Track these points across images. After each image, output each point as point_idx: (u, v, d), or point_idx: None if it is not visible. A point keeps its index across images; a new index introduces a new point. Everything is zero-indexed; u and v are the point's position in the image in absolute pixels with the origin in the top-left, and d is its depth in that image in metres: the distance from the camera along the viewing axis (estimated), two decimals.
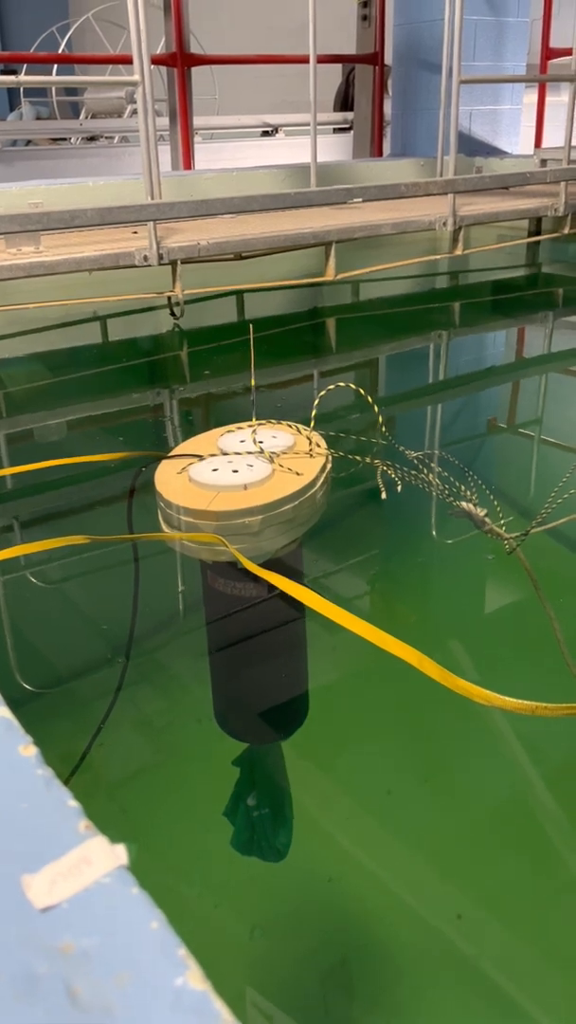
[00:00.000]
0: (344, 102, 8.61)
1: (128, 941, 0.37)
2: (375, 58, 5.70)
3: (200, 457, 1.68)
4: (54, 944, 0.37)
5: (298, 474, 1.59)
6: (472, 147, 5.48)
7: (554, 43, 5.51)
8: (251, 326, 1.97)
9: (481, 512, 1.45)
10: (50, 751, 0.49)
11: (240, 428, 1.84)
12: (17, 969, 0.36)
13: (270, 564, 1.42)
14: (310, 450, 1.72)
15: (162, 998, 0.34)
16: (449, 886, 1.03)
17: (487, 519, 1.44)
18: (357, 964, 0.94)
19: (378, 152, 5.96)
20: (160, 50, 5.24)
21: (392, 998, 0.91)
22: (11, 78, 3.32)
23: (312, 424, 1.85)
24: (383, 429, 1.98)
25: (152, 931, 0.37)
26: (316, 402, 1.87)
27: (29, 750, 0.48)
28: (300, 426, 1.84)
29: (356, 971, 0.93)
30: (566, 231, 4.27)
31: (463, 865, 1.07)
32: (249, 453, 1.68)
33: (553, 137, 5.39)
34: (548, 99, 5.76)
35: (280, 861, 1.07)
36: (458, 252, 3.89)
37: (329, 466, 1.71)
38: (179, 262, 3.17)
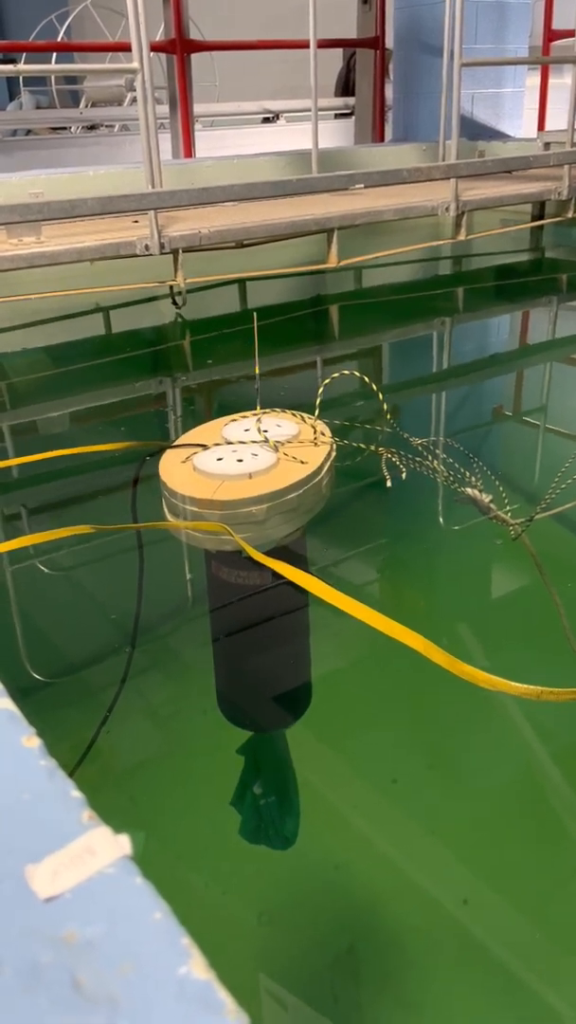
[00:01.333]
0: (345, 87, 8.55)
1: (131, 930, 0.37)
2: (376, 42, 5.66)
3: (204, 446, 1.68)
4: (57, 934, 0.37)
5: (303, 462, 1.59)
6: (474, 131, 5.44)
7: (557, 24, 5.46)
8: (255, 315, 1.96)
9: (486, 498, 1.45)
10: (58, 741, 0.49)
11: (244, 417, 1.83)
12: (21, 959, 0.36)
13: (275, 552, 1.42)
14: (315, 438, 1.71)
15: (166, 988, 0.34)
16: (456, 871, 1.03)
17: (492, 505, 1.44)
18: (365, 950, 0.95)
19: (380, 137, 5.92)
20: (159, 37, 5.20)
21: (400, 983, 0.91)
22: (10, 67, 3.30)
23: (316, 412, 1.85)
24: (388, 416, 1.98)
25: (155, 921, 0.37)
26: (320, 390, 1.87)
27: (32, 741, 0.48)
28: (304, 415, 1.84)
29: (364, 957, 0.94)
30: (570, 215, 4.24)
31: (470, 850, 1.07)
32: (254, 442, 1.67)
33: (556, 120, 5.34)
34: (551, 81, 5.72)
35: (287, 848, 1.08)
36: (461, 237, 3.87)
37: (334, 454, 1.70)
38: (180, 251, 3.16)
